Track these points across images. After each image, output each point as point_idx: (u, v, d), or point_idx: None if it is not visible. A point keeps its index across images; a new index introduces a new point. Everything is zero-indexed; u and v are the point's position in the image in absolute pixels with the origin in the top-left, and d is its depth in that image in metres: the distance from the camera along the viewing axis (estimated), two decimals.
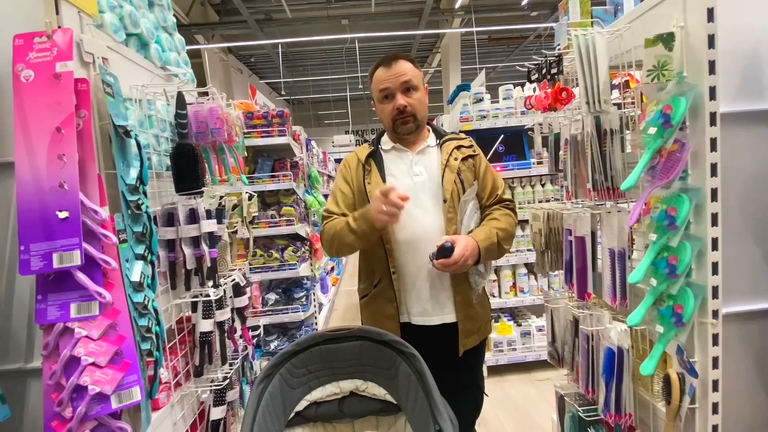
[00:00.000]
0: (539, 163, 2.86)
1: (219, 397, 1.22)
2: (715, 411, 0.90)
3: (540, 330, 2.88)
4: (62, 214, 0.75)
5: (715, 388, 0.90)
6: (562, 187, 1.41)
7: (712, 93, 0.88)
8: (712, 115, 0.88)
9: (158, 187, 1.13)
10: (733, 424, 0.94)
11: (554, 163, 1.51)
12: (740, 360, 0.95)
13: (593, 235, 1.20)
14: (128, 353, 0.80)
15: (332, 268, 4.83)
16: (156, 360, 0.90)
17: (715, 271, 0.89)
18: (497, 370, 2.90)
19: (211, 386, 1.21)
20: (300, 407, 1.03)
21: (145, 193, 0.92)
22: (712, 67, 0.87)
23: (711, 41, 0.87)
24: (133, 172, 0.89)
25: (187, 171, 1.12)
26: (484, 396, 1.46)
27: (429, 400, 0.92)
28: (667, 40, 0.91)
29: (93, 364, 0.77)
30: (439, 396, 0.91)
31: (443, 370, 1.19)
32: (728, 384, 0.91)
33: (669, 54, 0.91)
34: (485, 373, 2.75)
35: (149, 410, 0.90)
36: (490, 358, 2.85)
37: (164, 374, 1.03)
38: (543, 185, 2.92)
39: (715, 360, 0.90)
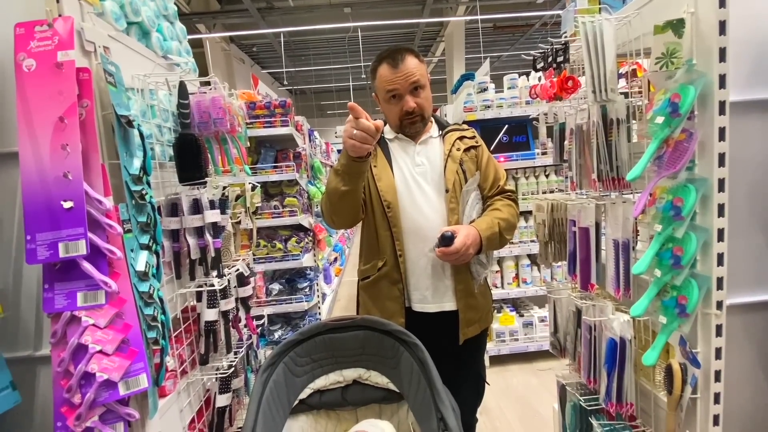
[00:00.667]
0: (543, 153, 2.83)
1: (224, 385, 1.24)
2: (716, 401, 0.90)
3: (542, 321, 2.89)
4: (67, 204, 0.75)
5: (717, 379, 0.90)
6: (566, 177, 1.39)
7: (722, 81, 0.86)
8: (722, 104, 0.86)
9: (162, 178, 1.13)
10: (734, 414, 0.94)
11: (559, 153, 1.49)
12: (743, 351, 0.95)
13: (597, 225, 1.19)
14: (135, 341, 0.81)
15: (335, 259, 4.84)
16: (162, 348, 0.91)
17: (720, 263, 0.89)
18: (499, 359, 2.92)
19: (216, 374, 1.23)
20: (304, 395, 1.04)
21: (148, 184, 0.92)
22: (722, 55, 0.85)
23: (722, 28, 0.85)
24: (137, 162, 0.89)
25: (190, 161, 1.12)
26: (486, 385, 1.47)
27: (431, 388, 0.92)
28: (676, 26, 0.89)
29: (100, 351, 0.78)
30: (441, 384, 0.92)
31: (444, 358, 1.20)
32: (730, 374, 0.91)
33: (678, 41, 0.89)
34: (487, 362, 2.78)
35: (156, 397, 0.91)
36: (492, 347, 2.87)
37: (170, 362, 1.04)
38: (547, 176, 2.90)
39: (718, 351, 0.90)
